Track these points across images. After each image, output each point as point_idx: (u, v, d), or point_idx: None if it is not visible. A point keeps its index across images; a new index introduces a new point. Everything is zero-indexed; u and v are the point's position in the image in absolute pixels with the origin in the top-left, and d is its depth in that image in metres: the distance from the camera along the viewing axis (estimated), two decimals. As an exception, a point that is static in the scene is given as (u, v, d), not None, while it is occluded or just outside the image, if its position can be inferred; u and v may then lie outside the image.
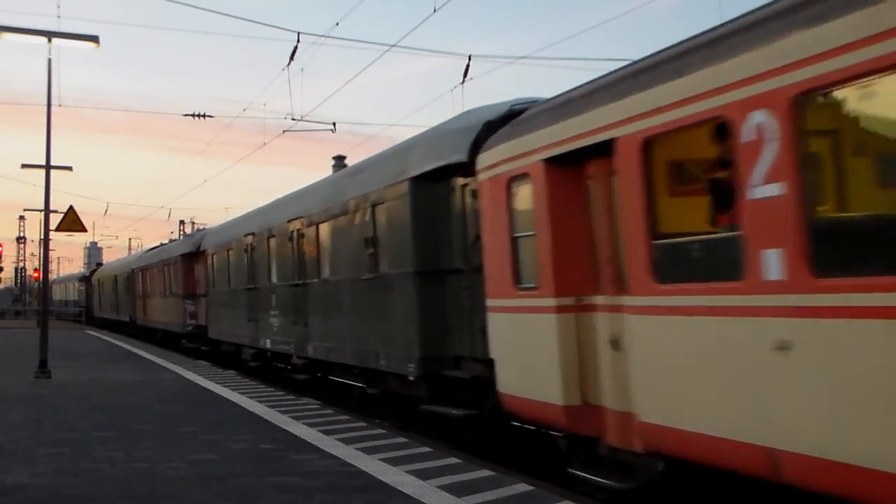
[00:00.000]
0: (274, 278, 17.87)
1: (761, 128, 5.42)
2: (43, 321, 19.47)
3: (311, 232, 15.34)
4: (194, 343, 27.31)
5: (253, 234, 19.50)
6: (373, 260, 12.42)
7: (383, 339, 11.96)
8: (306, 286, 15.54)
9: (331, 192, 14.75)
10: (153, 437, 9.87)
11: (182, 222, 74.42)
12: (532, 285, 8.24)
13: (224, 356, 23.30)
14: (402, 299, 11.38)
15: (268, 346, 18.40)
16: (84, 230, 21.57)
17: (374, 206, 12.37)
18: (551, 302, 7.86)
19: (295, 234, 16.20)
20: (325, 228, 14.62)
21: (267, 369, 19.34)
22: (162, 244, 42.96)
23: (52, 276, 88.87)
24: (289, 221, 16.64)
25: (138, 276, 38.34)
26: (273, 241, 17.90)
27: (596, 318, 7.61)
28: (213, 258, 24.13)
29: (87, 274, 62.76)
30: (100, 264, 63.82)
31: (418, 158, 11.35)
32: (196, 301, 27.37)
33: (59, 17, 36.39)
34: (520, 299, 8.46)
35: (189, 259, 27.97)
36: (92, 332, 42.72)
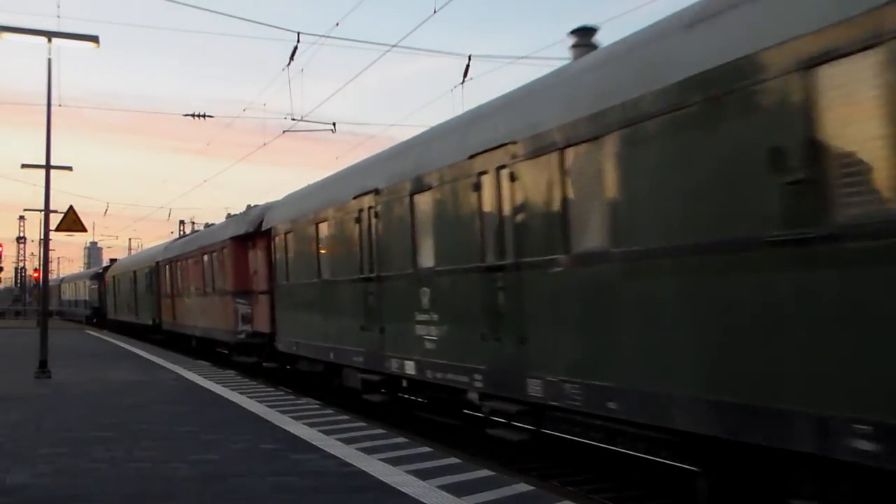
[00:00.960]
0: (427, 260, 11.03)
1: None
2: (43, 321, 19.46)
3: (535, 170, 8.64)
4: (248, 356, 20.56)
5: (376, 191, 12.53)
6: (810, 198, 5.45)
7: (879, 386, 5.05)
8: (524, 270, 8.83)
9: (615, 76, 7.74)
10: (153, 437, 9.87)
11: (182, 222, 74.48)
12: None
13: (302, 378, 17.29)
14: None
15: (409, 371, 11.46)
16: (84, 230, 21.56)
17: (806, 68, 5.52)
18: None
19: (490, 178, 9.50)
20: (587, 155, 7.83)
21: (399, 408, 13.34)
22: (196, 230, 34.90)
23: (52, 276, 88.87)
24: (471, 158, 9.83)
25: (165, 270, 31.17)
26: (426, 199, 11.02)
27: None
28: (285, 239, 17.10)
29: (101, 270, 55.06)
30: (113, 260, 55.59)
31: None
32: (252, 300, 20.49)
33: (59, 17, 36.54)
34: None
35: (242, 244, 21.11)
36: (92, 332, 42.55)
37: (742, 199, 6.02)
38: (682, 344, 6.59)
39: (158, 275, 32.51)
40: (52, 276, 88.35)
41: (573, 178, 8.10)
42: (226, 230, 22.93)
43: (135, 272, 38.30)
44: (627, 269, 7.27)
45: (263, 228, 19.26)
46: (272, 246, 18.39)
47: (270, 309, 18.71)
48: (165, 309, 31.44)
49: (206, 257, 24.64)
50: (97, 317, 52.68)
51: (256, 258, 20.27)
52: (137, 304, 37.72)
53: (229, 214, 28.07)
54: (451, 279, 10.42)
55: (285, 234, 17.18)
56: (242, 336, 20.76)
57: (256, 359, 19.95)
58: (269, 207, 20.02)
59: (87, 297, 58.61)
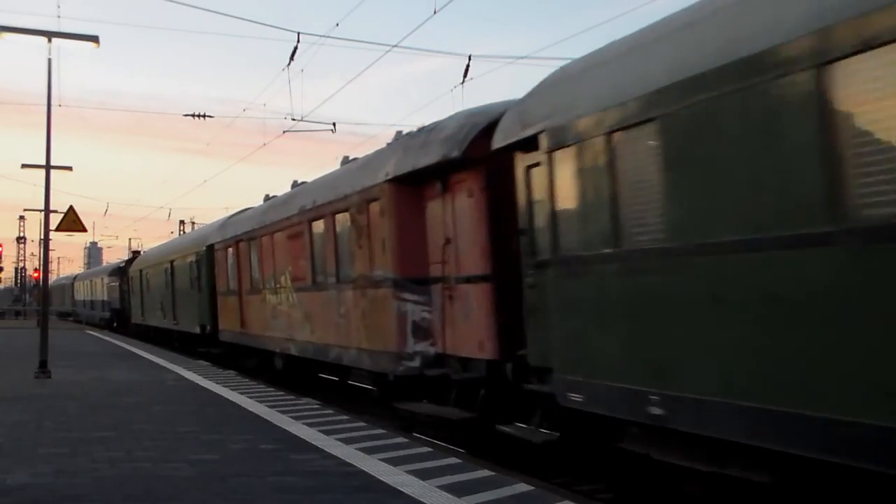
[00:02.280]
0: None
1: None
2: (43, 321, 19.46)
3: None
4: (434, 404, 11.27)
5: None
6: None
7: None
8: None
9: None
10: (153, 437, 9.87)
11: (182, 222, 74.70)
12: None
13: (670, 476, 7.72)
14: None
15: None
16: (84, 230, 21.54)
17: None
18: None
19: None
20: None
21: None
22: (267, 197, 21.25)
23: (53, 276, 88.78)
24: None
25: (225, 255, 21.97)
26: None
27: None
28: (608, 148, 7.43)
29: (122, 264, 46.12)
30: (136, 253, 46.54)
31: None
32: (438, 295, 11.35)
33: (59, 17, 36.62)
34: None
35: (414, 191, 11.82)
36: (92, 332, 42.41)
37: None
38: None
39: (213, 263, 23.40)
40: (53, 276, 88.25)
41: None
42: (374, 170, 12.66)
43: (172, 263, 29.28)
44: None
45: (495, 147, 9.51)
46: (526, 178, 9.05)
47: (493, 313, 9.99)
48: (226, 311, 22.04)
49: (318, 225, 14.91)
50: (118, 320, 44.45)
51: (452, 214, 10.92)
52: (176, 304, 28.73)
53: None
54: None
55: (610, 134, 7.44)
56: (415, 363, 11.49)
57: (460, 412, 10.41)
58: (498, 110, 10.18)
59: (104, 297, 49.25)
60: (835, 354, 5.27)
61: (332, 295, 14.34)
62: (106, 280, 48.73)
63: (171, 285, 29.48)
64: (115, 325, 45.30)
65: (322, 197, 14.86)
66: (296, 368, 17.34)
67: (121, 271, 44.76)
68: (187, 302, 26.88)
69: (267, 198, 20.32)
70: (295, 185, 18.39)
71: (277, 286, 17.40)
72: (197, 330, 25.26)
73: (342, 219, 13.88)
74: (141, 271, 36.73)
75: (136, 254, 46.17)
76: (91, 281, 56.91)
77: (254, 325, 19.41)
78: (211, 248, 23.57)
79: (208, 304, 23.80)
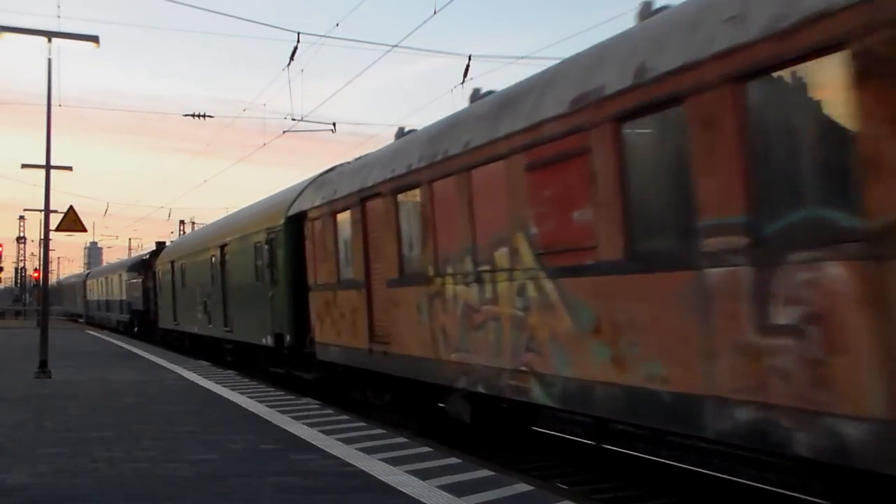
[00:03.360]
0: None
1: None
2: (43, 321, 19.47)
3: None
4: None
5: None
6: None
7: None
8: None
9: None
10: (153, 437, 9.87)
11: (182, 222, 74.82)
12: None
13: None
14: None
15: None
16: (84, 230, 21.55)
17: None
18: None
19: None
20: None
21: None
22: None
23: (53, 276, 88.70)
24: None
25: (331, 227, 13.71)
26: None
27: None
28: None
29: (146, 256, 38.28)
30: (161, 244, 38.81)
31: None
32: None
33: (59, 17, 36.71)
34: None
35: None
36: (92, 332, 42.35)
37: None
38: None
39: (300, 243, 15.75)
40: (53, 276, 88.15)
41: None
42: None
43: (222, 248, 21.91)
44: None
45: None
46: None
47: None
48: (331, 315, 14.12)
49: (651, 130, 6.50)
50: (140, 324, 37.53)
51: None
52: (228, 305, 21.43)
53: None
54: None
55: None
56: None
57: None
58: None
59: (123, 297, 41.73)
60: None
61: (726, 279, 5.86)
62: (125, 276, 40.66)
63: (220, 279, 22.05)
64: (136, 329, 38.14)
65: (672, 56, 6.35)
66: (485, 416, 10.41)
67: (144, 265, 36.94)
68: (250, 301, 19.22)
69: (401, 133, 13.06)
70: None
71: (482, 270, 9.23)
72: (267, 341, 17.91)
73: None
74: (173, 263, 28.97)
75: (161, 245, 38.03)
76: (106, 278, 47.87)
77: (408, 341, 11.21)
78: (296, 219, 15.97)
79: (288, 304, 16.58)
